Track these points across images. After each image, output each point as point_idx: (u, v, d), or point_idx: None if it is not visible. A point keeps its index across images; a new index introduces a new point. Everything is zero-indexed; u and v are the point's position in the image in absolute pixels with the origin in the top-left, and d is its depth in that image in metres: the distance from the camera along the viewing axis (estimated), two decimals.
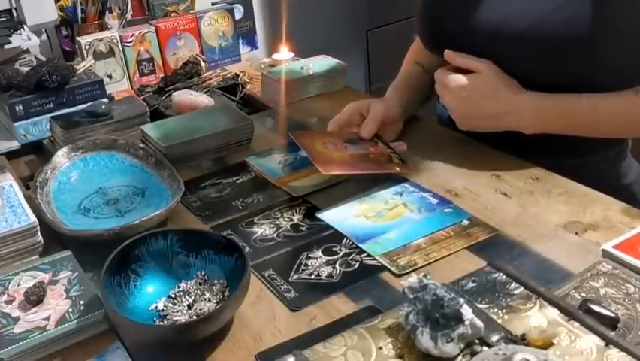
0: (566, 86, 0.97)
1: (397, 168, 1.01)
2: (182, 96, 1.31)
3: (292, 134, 1.06)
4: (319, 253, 0.86)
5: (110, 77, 1.51)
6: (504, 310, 0.68)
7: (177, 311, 0.76)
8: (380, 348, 0.65)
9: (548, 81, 0.98)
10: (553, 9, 0.94)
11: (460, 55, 1.02)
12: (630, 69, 0.97)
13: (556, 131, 0.99)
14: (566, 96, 0.96)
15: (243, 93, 1.44)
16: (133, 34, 1.52)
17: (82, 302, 0.78)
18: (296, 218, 0.94)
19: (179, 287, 0.79)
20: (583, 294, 0.71)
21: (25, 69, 1.33)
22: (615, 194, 0.93)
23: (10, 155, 1.22)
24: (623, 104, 0.96)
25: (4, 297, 0.80)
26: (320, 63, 1.41)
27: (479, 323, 0.63)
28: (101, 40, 1.49)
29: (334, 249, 0.87)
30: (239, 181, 1.06)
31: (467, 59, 1.01)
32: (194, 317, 0.75)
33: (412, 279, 0.67)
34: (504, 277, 0.74)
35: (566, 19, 0.93)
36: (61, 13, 1.63)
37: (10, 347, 0.72)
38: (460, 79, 1.00)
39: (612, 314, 0.66)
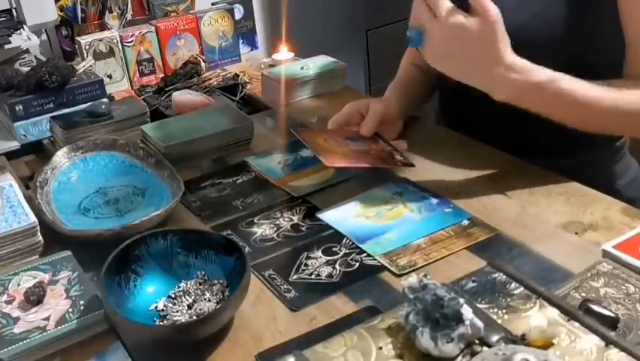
0: None
1: (399, 164, 1.02)
2: (182, 96, 1.31)
3: (294, 129, 1.06)
4: (319, 253, 0.86)
5: (110, 77, 1.51)
6: (504, 310, 0.68)
7: (177, 311, 0.76)
8: (380, 348, 0.65)
9: None
10: (537, 13, 0.95)
11: None
12: (619, 62, 0.98)
13: (528, 108, 0.91)
14: (556, 80, 0.88)
15: (243, 93, 1.44)
16: (133, 34, 1.52)
17: (82, 302, 0.78)
18: (296, 218, 0.94)
19: (179, 287, 0.79)
20: (583, 294, 0.71)
21: (25, 69, 1.33)
22: (614, 192, 0.93)
23: (10, 155, 1.22)
24: (606, 90, 0.89)
25: (4, 297, 0.80)
26: (320, 63, 1.41)
27: (479, 323, 0.63)
28: (101, 40, 1.49)
29: (334, 249, 0.87)
30: (239, 181, 1.06)
31: None
32: (194, 317, 0.75)
33: (412, 279, 0.67)
34: (504, 277, 0.73)
35: (550, 21, 0.94)
36: (61, 13, 1.64)
37: (10, 347, 0.72)
38: (459, 17, 0.85)
39: (612, 314, 0.66)
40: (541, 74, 0.88)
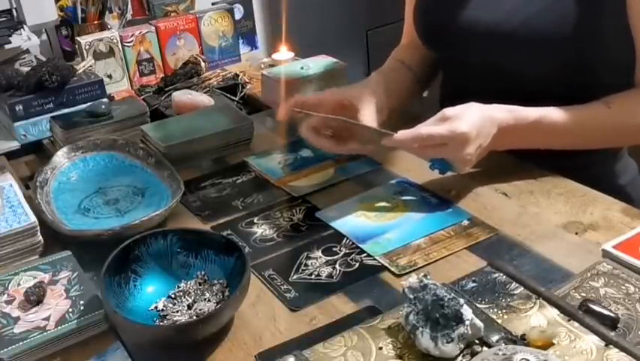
0: (559, 83, 0.98)
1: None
2: (182, 96, 1.31)
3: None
4: (319, 253, 0.86)
5: (110, 77, 1.51)
6: (504, 310, 0.68)
7: (177, 311, 0.76)
8: (380, 348, 0.65)
9: (541, 78, 0.99)
10: (544, 8, 0.95)
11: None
12: (622, 64, 0.98)
13: (530, 147, 0.97)
14: (537, 117, 0.93)
15: (243, 93, 1.44)
16: (133, 34, 1.52)
17: (82, 302, 0.78)
18: (296, 218, 0.94)
19: (178, 287, 0.79)
20: (583, 294, 0.71)
21: (25, 69, 1.33)
22: (614, 192, 0.93)
23: (10, 155, 1.22)
24: (593, 117, 0.95)
25: (4, 297, 0.80)
26: (320, 63, 1.41)
27: (479, 323, 0.64)
28: (101, 40, 1.49)
29: (334, 249, 0.87)
30: (239, 181, 1.06)
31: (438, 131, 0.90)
32: (194, 317, 0.75)
33: (412, 279, 0.67)
34: (504, 277, 0.74)
35: (557, 18, 0.94)
36: (61, 13, 1.63)
37: (10, 347, 0.72)
38: (456, 128, 0.88)
39: (612, 314, 0.66)
40: (527, 114, 0.93)
